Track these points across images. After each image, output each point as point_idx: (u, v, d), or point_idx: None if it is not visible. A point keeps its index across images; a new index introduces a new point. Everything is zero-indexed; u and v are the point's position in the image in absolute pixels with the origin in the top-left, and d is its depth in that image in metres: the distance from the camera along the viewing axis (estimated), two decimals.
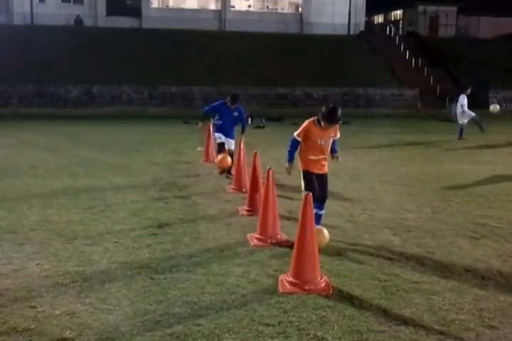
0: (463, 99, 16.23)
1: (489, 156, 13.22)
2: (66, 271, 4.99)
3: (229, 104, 9.66)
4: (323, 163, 6.01)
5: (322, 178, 6.00)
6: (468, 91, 16.51)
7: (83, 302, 4.33)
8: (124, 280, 4.78)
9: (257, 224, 6.06)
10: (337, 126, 5.98)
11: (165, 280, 4.81)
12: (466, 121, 16.49)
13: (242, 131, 9.78)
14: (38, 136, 16.47)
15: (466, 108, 16.24)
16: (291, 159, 6.04)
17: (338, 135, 6.08)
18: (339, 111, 5.74)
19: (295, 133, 5.97)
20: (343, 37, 36.76)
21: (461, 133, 16.44)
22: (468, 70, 31.76)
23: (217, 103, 9.91)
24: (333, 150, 6.08)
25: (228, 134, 9.84)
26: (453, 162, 12.14)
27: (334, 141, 6.08)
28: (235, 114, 9.74)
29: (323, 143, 5.91)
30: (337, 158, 6.13)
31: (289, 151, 6.03)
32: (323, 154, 5.98)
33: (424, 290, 4.67)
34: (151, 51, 30.00)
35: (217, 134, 9.90)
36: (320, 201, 5.93)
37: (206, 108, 10.15)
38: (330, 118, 5.72)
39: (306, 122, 5.90)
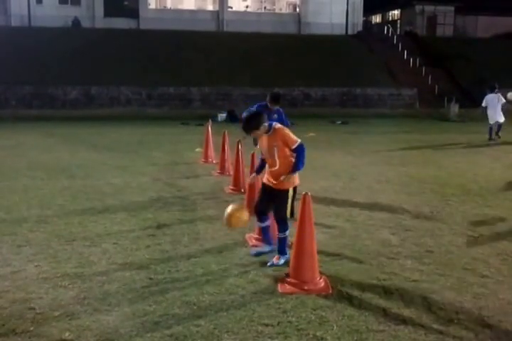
0: (495, 99, 15.93)
1: (487, 155, 13.23)
2: (65, 273, 4.99)
3: (269, 105, 8.32)
4: (274, 176, 5.17)
5: (269, 191, 5.22)
6: (496, 90, 16.15)
7: (82, 303, 4.33)
8: (123, 281, 4.78)
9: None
10: (283, 132, 5.06)
11: (164, 280, 4.81)
12: (503, 120, 16.14)
13: None
14: (36, 137, 16.44)
15: (499, 108, 15.95)
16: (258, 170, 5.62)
17: (294, 145, 4.99)
18: (254, 120, 5.06)
19: None
20: (340, 37, 36.75)
21: (498, 131, 16.19)
22: (466, 70, 31.79)
23: (255, 106, 8.35)
24: (293, 167, 5.07)
25: None
26: (451, 161, 12.15)
27: (297, 155, 5.04)
28: (275, 116, 8.28)
29: (266, 153, 5.18)
30: (284, 177, 5.05)
31: None
32: (273, 166, 5.16)
33: (423, 289, 4.67)
34: (149, 52, 29.97)
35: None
36: (258, 213, 5.39)
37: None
38: (242, 127, 5.14)
39: None
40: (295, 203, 5.18)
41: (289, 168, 5.06)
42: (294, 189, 5.20)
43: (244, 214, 5.16)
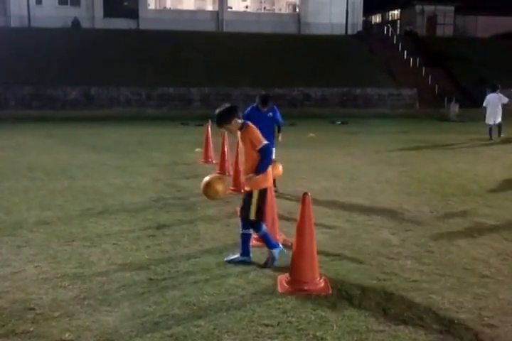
0: (496, 98, 15.98)
1: (487, 155, 13.23)
2: (65, 273, 4.99)
3: (260, 106, 8.25)
4: (243, 175, 5.27)
5: (244, 196, 5.29)
6: (498, 90, 16.21)
7: (82, 304, 4.32)
8: (123, 282, 4.78)
9: None
10: (252, 132, 5.11)
11: (164, 281, 4.81)
12: (500, 120, 16.17)
13: (278, 130, 8.66)
14: (35, 138, 16.45)
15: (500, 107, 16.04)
16: None
17: (259, 146, 5.03)
18: (225, 114, 5.08)
19: None
20: (340, 37, 36.78)
21: (500, 132, 16.25)
22: (466, 69, 31.80)
23: (247, 110, 8.35)
24: (255, 169, 5.09)
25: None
26: (451, 161, 12.14)
27: (261, 157, 5.05)
28: (270, 114, 8.39)
29: (240, 150, 5.26)
30: (247, 177, 5.11)
31: None
32: (242, 165, 5.27)
33: (423, 289, 4.67)
34: (148, 53, 29.98)
35: None
36: (241, 219, 5.33)
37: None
38: (215, 120, 5.19)
39: None
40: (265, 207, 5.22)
41: (253, 169, 5.10)
42: (263, 192, 5.16)
43: (221, 186, 5.25)
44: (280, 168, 7.87)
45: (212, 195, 5.32)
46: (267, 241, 5.27)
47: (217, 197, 5.37)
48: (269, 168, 5.25)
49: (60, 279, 4.84)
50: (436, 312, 4.21)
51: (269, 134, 8.26)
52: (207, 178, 5.34)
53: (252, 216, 5.14)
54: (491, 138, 16.06)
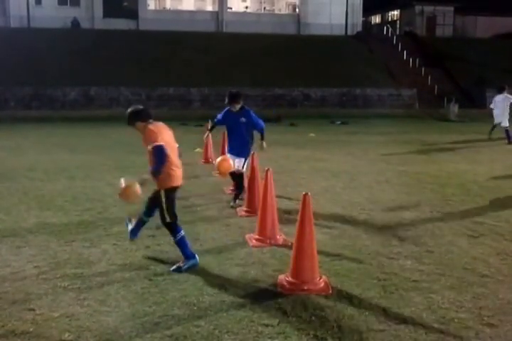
0: (505, 99, 15.78)
1: (487, 155, 13.23)
2: (64, 274, 4.98)
3: (229, 107, 7.67)
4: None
5: (154, 193, 5.24)
6: (505, 91, 16.03)
7: (82, 304, 4.32)
8: (123, 282, 4.78)
9: (256, 225, 6.06)
10: (145, 132, 5.03)
11: (164, 281, 4.80)
12: (507, 124, 15.83)
13: (262, 138, 7.75)
14: (35, 138, 16.44)
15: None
16: None
17: (149, 146, 4.90)
18: (129, 116, 5.09)
19: None
20: (340, 37, 36.78)
21: (508, 137, 15.65)
22: (466, 70, 31.80)
23: (222, 112, 7.96)
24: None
25: (236, 150, 7.65)
26: (451, 161, 12.15)
27: (153, 157, 4.92)
28: (242, 119, 7.53)
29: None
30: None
31: None
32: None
33: (423, 288, 4.67)
34: (148, 53, 29.98)
35: (229, 156, 7.63)
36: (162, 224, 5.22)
37: (217, 117, 8.19)
38: None
39: None
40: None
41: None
42: (169, 191, 5.04)
43: (137, 188, 4.88)
44: (230, 161, 7.27)
45: (130, 193, 4.92)
46: (182, 250, 5.10)
47: (134, 196, 4.96)
48: (173, 170, 5.01)
49: (59, 279, 4.84)
50: (437, 311, 4.21)
51: (239, 142, 7.63)
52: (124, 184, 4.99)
53: (168, 219, 5.05)
54: (489, 135, 15.94)
